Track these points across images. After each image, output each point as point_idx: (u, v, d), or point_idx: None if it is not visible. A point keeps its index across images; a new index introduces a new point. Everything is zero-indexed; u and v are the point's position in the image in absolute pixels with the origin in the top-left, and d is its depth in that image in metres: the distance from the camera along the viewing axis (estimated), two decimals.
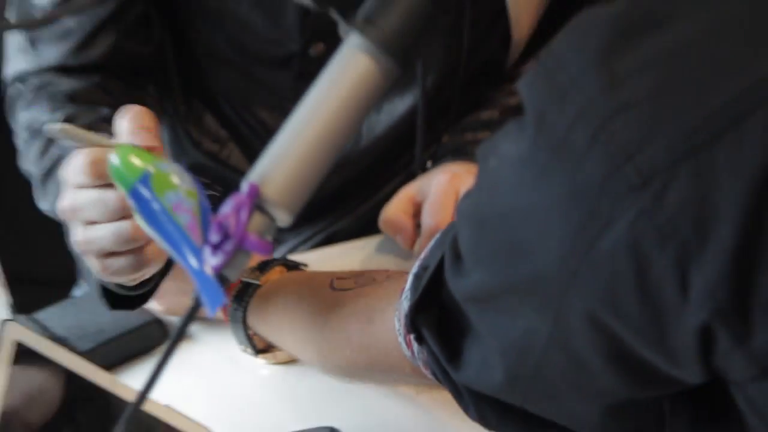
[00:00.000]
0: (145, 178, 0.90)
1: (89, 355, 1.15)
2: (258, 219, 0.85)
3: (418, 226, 1.41)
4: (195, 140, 1.58)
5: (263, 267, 1.28)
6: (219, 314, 1.29)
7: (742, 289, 0.72)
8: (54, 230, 1.43)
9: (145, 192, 0.90)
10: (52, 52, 1.43)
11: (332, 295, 1.17)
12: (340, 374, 1.17)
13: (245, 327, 1.27)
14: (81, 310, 1.36)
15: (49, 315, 1.36)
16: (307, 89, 1.46)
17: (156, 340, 1.34)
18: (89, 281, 1.28)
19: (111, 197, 1.03)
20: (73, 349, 1.13)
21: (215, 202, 0.90)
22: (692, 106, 0.72)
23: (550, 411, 0.90)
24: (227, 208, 0.84)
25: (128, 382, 1.10)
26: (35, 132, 1.38)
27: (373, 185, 1.60)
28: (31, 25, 1.44)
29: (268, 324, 1.24)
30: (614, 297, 0.76)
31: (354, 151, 1.53)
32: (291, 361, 1.29)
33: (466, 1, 1.29)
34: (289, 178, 0.85)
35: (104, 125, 1.36)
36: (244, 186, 0.85)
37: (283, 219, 0.85)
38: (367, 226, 1.54)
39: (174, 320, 1.37)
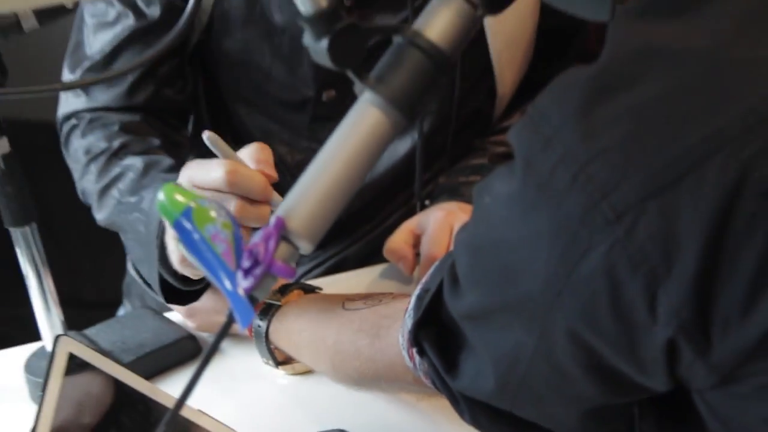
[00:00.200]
0: (187, 213, 0.90)
1: (131, 366, 1.14)
2: (284, 248, 0.85)
3: (417, 255, 1.41)
4: None
5: (283, 290, 1.27)
6: (244, 331, 1.29)
7: (702, 309, 0.73)
8: (100, 260, 1.45)
9: (187, 224, 0.89)
10: (102, 97, 1.45)
11: (344, 314, 1.16)
12: (350, 383, 1.17)
13: (267, 342, 1.27)
14: (124, 328, 1.36)
15: (96, 331, 1.36)
16: (320, 129, 1.48)
17: (190, 353, 1.34)
18: (152, 279, 1.30)
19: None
20: (117, 360, 1.13)
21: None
22: (658, 152, 0.72)
23: (535, 415, 0.90)
24: (257, 238, 0.85)
25: (165, 389, 1.10)
26: (93, 156, 1.41)
27: (378, 217, 1.59)
28: (88, 84, 1.46)
29: (287, 339, 1.24)
30: (592, 315, 0.76)
31: (360, 186, 1.53)
32: (307, 372, 1.28)
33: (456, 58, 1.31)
34: (311, 213, 0.86)
35: (158, 152, 1.39)
36: (272, 219, 0.85)
37: (306, 248, 0.85)
38: (373, 254, 1.53)
39: (205, 336, 1.37)
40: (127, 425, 1.11)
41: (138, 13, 1.43)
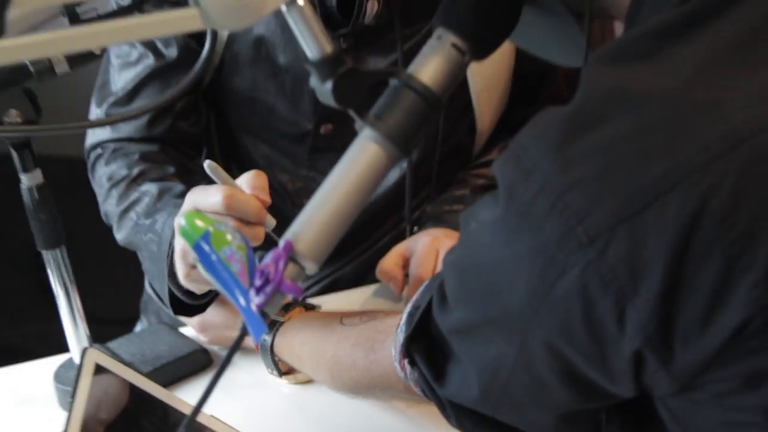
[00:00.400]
0: (206, 236, 0.90)
1: (149, 375, 1.14)
2: (291, 268, 0.85)
3: (406, 276, 1.41)
4: None
5: (286, 307, 1.27)
6: (252, 344, 1.29)
7: (666, 324, 0.73)
8: (117, 282, 1.45)
9: (205, 247, 0.90)
10: (125, 128, 1.46)
11: (341, 329, 1.16)
12: (347, 392, 1.16)
13: (272, 354, 1.27)
14: (142, 341, 1.36)
15: (118, 344, 1.36)
16: (318, 159, 1.49)
17: (202, 364, 1.34)
18: (163, 294, 1.30)
19: None
20: (137, 370, 1.14)
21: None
22: (627, 183, 0.72)
23: (515, 419, 0.90)
24: (268, 259, 0.85)
25: (180, 397, 1.11)
26: (115, 182, 1.42)
27: (370, 240, 1.58)
28: (114, 122, 1.47)
29: (290, 352, 1.24)
30: (567, 329, 0.76)
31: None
32: (308, 381, 1.28)
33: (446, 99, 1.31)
34: (316, 237, 0.86)
35: (173, 178, 1.40)
36: (281, 243, 0.85)
37: (311, 268, 0.85)
38: (366, 274, 1.54)
39: (216, 349, 1.36)
40: (146, 428, 1.11)
41: (157, 54, 1.44)
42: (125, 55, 1.45)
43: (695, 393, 0.77)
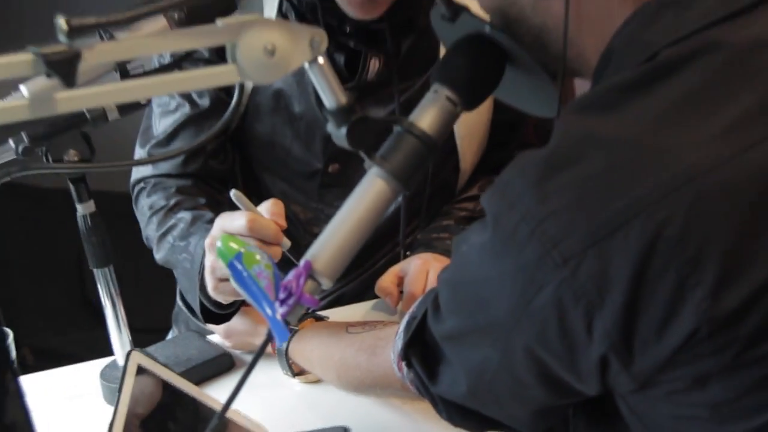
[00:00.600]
0: (238, 256, 0.91)
1: (181, 375, 1.14)
2: (310, 284, 0.85)
3: (401, 292, 1.40)
4: None
5: (300, 318, 1.27)
6: (269, 349, 1.29)
7: (628, 332, 0.73)
8: (150, 298, 1.45)
9: (238, 265, 0.90)
10: (164, 166, 1.47)
11: (347, 337, 1.16)
12: (351, 390, 1.15)
13: (287, 358, 1.27)
14: (175, 346, 1.36)
15: (155, 349, 1.37)
16: (326, 193, 1.49)
17: (226, 366, 1.34)
18: (194, 305, 1.30)
19: None
20: (171, 370, 1.14)
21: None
22: (595, 214, 0.72)
23: (497, 413, 0.90)
24: (290, 276, 0.85)
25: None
26: (155, 211, 1.43)
27: (369, 262, 1.56)
28: (155, 161, 1.48)
29: (302, 356, 1.23)
30: (544, 336, 0.76)
31: None
32: (317, 381, 1.28)
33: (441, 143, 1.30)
34: (331, 257, 0.86)
35: (204, 208, 1.40)
36: (302, 262, 0.85)
37: (327, 284, 0.86)
38: (365, 291, 1.53)
39: (238, 353, 1.36)
40: (180, 419, 1.11)
41: (192, 103, 1.44)
42: (165, 104, 1.46)
43: (651, 391, 0.77)
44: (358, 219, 0.88)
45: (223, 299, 1.22)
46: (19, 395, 0.71)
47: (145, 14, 0.84)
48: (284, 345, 1.26)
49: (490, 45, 0.90)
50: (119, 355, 1.29)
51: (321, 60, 0.84)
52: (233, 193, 1.16)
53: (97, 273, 1.23)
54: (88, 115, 1.12)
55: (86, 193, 1.19)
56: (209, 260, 1.19)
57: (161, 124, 1.46)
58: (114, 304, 1.25)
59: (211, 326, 1.37)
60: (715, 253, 0.70)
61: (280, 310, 0.84)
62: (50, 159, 1.13)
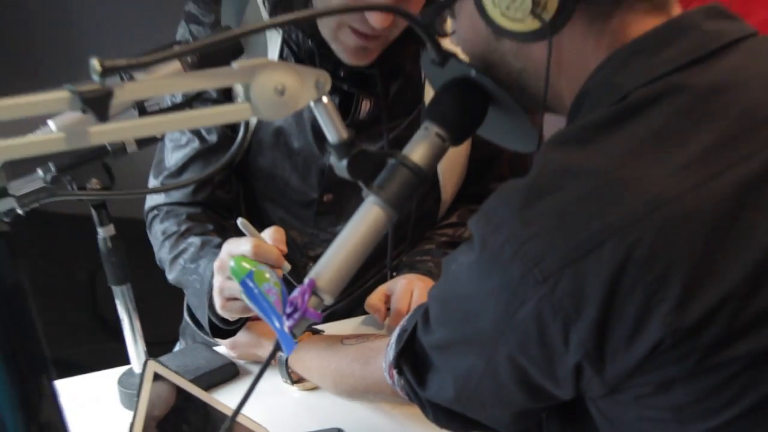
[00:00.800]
0: (250, 275, 0.91)
1: (191, 382, 1.14)
2: (314, 300, 0.85)
3: (388, 309, 1.40)
4: None
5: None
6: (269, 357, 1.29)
7: (600, 343, 0.73)
8: (158, 313, 1.45)
9: (250, 283, 0.90)
10: (176, 195, 1.46)
11: (342, 348, 1.15)
12: (346, 396, 1.15)
13: (287, 367, 1.27)
14: (185, 356, 1.35)
15: (167, 358, 1.36)
16: (321, 221, 1.48)
17: (231, 374, 1.32)
18: (203, 321, 1.29)
19: None
20: (183, 378, 1.13)
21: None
22: (571, 237, 0.73)
23: (480, 415, 0.90)
24: (296, 293, 0.85)
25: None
26: (167, 236, 1.42)
27: (359, 282, 1.55)
28: (167, 190, 1.48)
29: (301, 365, 1.23)
30: (525, 346, 0.76)
31: None
32: (314, 388, 1.27)
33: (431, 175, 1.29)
34: (332, 276, 0.86)
35: (212, 234, 1.39)
36: (306, 280, 0.85)
37: (328, 300, 0.86)
38: (355, 308, 1.52)
39: (242, 363, 1.35)
40: (192, 421, 1.10)
41: (201, 138, 1.44)
42: (177, 139, 1.45)
43: (620, 395, 0.77)
44: (357, 241, 0.87)
45: (230, 316, 1.21)
46: (53, 397, 0.71)
47: (167, 58, 0.84)
48: (284, 356, 1.25)
49: (475, 87, 0.90)
50: (135, 363, 1.27)
51: (325, 99, 0.84)
52: (240, 221, 1.16)
53: (116, 290, 1.21)
54: (109, 148, 1.11)
55: (107, 218, 1.18)
56: (218, 281, 1.18)
57: (173, 157, 1.46)
58: (131, 318, 1.23)
59: (218, 339, 1.35)
60: (679, 272, 0.71)
61: (287, 323, 0.84)
62: (75, 187, 1.12)
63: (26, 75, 3.03)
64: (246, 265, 0.93)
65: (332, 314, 1.56)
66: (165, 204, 1.47)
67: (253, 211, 1.54)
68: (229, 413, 1.12)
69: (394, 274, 1.49)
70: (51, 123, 1.05)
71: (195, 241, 1.38)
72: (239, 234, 1.18)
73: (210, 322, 1.28)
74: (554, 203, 0.75)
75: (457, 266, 0.83)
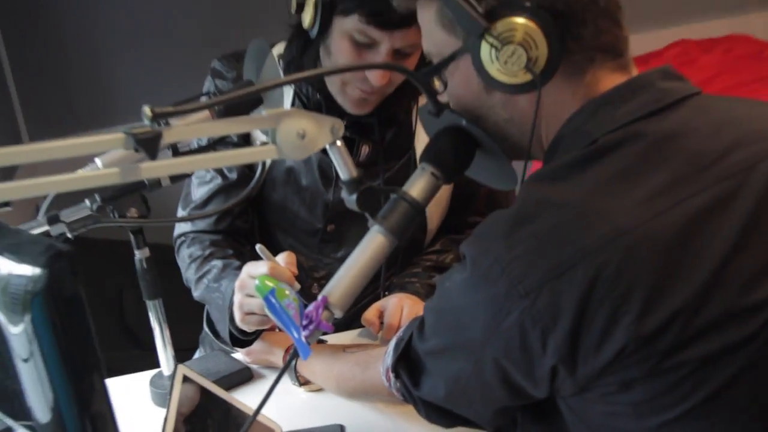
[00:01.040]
0: (272, 292, 0.91)
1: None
2: (326, 313, 0.87)
3: (381, 323, 1.38)
4: None
5: None
6: (279, 364, 1.28)
7: (573, 348, 0.74)
8: (184, 323, 1.45)
9: (272, 298, 0.91)
10: (200, 224, 1.46)
11: (344, 355, 1.16)
12: (347, 397, 1.15)
13: (295, 371, 1.26)
14: (207, 361, 1.34)
15: (191, 363, 1.35)
16: (325, 247, 1.48)
17: (246, 378, 1.31)
18: (224, 333, 1.28)
19: None
20: (207, 380, 1.13)
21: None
22: (549, 259, 0.74)
23: (466, 412, 0.90)
24: (311, 307, 0.86)
25: None
26: (193, 259, 1.41)
27: (357, 299, 1.53)
28: (193, 219, 1.47)
29: (308, 369, 1.22)
30: (509, 351, 0.77)
31: None
32: (319, 390, 1.26)
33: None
34: (342, 293, 0.87)
35: (232, 257, 1.38)
36: (320, 297, 0.86)
37: (338, 314, 0.87)
38: (353, 321, 1.48)
39: (255, 368, 1.33)
40: (215, 417, 1.10)
41: (223, 176, 1.44)
42: (202, 176, 1.45)
43: (588, 393, 0.78)
44: (363, 264, 0.88)
45: (248, 328, 1.21)
46: (104, 392, 0.71)
47: (204, 107, 0.86)
48: (293, 361, 1.24)
49: (465, 134, 0.91)
50: (164, 367, 1.27)
51: (339, 143, 0.86)
52: (258, 247, 1.16)
53: (149, 303, 1.22)
54: (146, 182, 1.12)
55: (143, 242, 1.19)
56: (238, 298, 1.18)
57: (198, 192, 1.46)
58: (161, 328, 1.23)
59: (236, 348, 1.35)
60: (640, 289, 0.72)
61: (304, 333, 0.85)
62: (116, 215, 1.13)
63: (60, 121, 3.03)
64: (269, 283, 0.93)
65: (334, 327, 1.56)
66: (191, 232, 1.47)
67: (266, 238, 1.54)
68: (246, 410, 1.12)
69: (386, 293, 1.49)
70: (98, 160, 1.06)
71: (217, 263, 1.38)
72: (255, 258, 1.18)
73: (230, 333, 1.28)
74: (534, 230, 0.76)
75: (451, 283, 0.83)
